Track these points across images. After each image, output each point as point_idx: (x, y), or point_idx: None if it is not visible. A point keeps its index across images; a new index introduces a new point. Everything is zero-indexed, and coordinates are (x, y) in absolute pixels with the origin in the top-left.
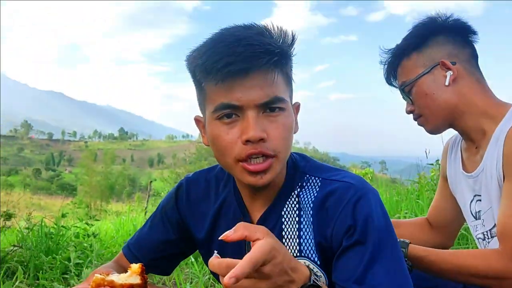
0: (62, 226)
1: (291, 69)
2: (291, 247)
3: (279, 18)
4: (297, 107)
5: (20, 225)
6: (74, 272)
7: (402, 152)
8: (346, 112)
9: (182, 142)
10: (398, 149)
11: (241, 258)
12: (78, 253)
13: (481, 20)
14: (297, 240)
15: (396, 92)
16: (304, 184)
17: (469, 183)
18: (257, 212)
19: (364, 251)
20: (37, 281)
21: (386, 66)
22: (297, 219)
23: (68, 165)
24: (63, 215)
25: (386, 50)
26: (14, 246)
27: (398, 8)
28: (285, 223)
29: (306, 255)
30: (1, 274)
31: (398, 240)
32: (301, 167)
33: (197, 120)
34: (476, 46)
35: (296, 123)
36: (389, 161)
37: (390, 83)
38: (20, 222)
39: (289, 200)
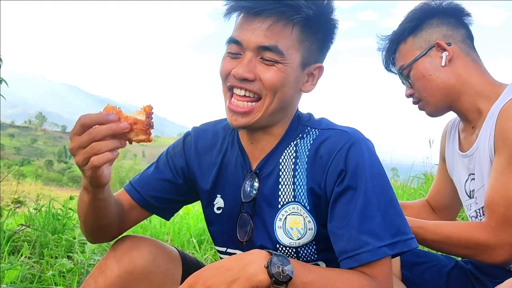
0: (70, 209)
1: (326, 35)
2: (286, 193)
3: None
4: (319, 68)
5: (30, 209)
6: (78, 249)
7: (412, 159)
8: (357, 115)
9: None
10: (411, 156)
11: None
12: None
13: (501, 29)
14: (292, 186)
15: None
16: (304, 135)
17: (465, 162)
18: (256, 159)
19: (357, 197)
20: (42, 259)
21: (384, 52)
22: (292, 166)
23: None
24: (71, 198)
25: (383, 37)
26: (22, 225)
27: None
28: (282, 169)
29: (298, 200)
30: (6, 251)
31: None
32: (304, 121)
33: None
34: (489, 48)
35: (313, 84)
36: (401, 168)
37: (388, 69)
38: (30, 207)
39: (287, 149)
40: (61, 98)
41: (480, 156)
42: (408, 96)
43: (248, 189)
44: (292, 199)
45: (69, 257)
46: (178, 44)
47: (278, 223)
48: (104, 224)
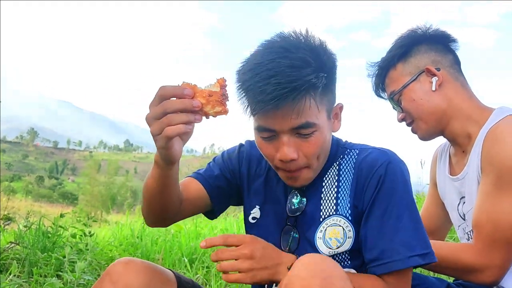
0: (60, 226)
1: (332, 83)
2: (328, 207)
3: None
4: (340, 107)
5: (19, 226)
6: (68, 268)
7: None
8: (349, 133)
9: (187, 157)
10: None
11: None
12: (74, 252)
13: (492, 50)
14: (335, 201)
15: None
16: (345, 156)
17: (456, 186)
18: None
19: (391, 209)
20: (31, 278)
21: (373, 78)
22: (336, 183)
23: (71, 174)
24: (62, 215)
25: (373, 64)
26: (11, 243)
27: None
28: (325, 186)
29: (341, 213)
30: None
31: None
32: (342, 144)
33: None
34: (479, 69)
35: (339, 121)
36: None
37: (378, 95)
38: (20, 224)
39: (331, 169)
40: (53, 113)
41: (469, 180)
42: (400, 120)
43: (294, 203)
44: (334, 212)
45: (58, 276)
46: (170, 60)
47: (318, 235)
48: (166, 204)
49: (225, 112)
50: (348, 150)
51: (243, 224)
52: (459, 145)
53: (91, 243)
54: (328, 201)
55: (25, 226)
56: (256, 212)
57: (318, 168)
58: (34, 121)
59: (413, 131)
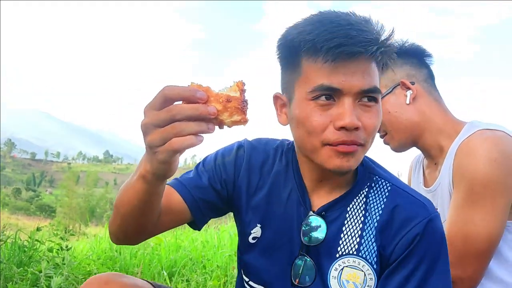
0: (36, 240)
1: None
2: (348, 244)
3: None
4: None
5: None
6: (44, 283)
7: None
8: None
9: None
10: None
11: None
12: (50, 266)
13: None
14: (358, 240)
15: None
16: (373, 185)
17: (429, 198)
18: (320, 199)
19: (417, 274)
20: None
21: None
22: (362, 219)
23: (49, 186)
24: (38, 229)
25: None
26: None
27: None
28: (349, 218)
29: (364, 256)
30: None
31: None
32: (369, 168)
33: (276, 97)
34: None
35: None
36: None
37: None
38: None
39: (358, 197)
40: (31, 124)
41: (442, 192)
42: None
43: (308, 229)
44: (355, 252)
45: None
46: (170, 61)
47: (333, 273)
48: (145, 221)
49: (245, 121)
50: (376, 178)
51: (224, 236)
52: (432, 157)
53: (68, 257)
54: (350, 236)
55: (0, 240)
56: (257, 232)
57: (365, 152)
58: (11, 131)
59: (385, 142)
